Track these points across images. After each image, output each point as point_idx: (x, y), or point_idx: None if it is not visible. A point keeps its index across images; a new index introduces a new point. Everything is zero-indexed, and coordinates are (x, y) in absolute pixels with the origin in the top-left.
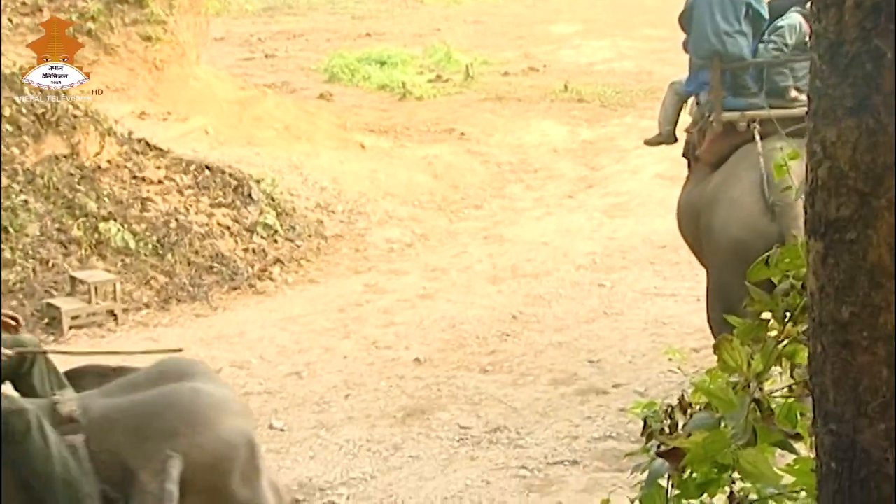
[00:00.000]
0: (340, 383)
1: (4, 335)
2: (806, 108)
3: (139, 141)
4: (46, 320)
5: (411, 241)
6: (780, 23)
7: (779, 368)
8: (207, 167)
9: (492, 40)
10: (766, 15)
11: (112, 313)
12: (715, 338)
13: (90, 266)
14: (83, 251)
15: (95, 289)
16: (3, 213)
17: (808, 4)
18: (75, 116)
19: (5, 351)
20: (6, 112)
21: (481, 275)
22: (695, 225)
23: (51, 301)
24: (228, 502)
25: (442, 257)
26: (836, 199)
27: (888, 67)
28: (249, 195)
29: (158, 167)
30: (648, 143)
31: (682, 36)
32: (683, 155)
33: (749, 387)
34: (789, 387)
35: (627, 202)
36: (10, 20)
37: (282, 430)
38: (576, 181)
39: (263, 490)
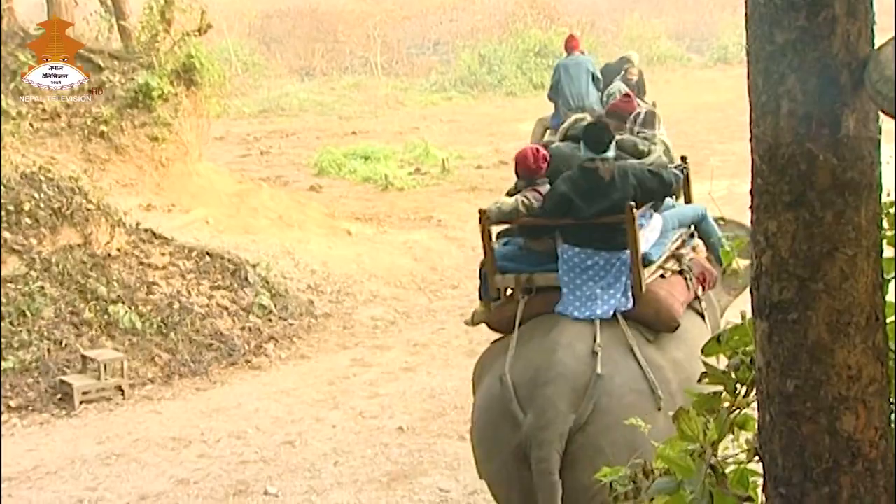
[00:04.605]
0: (330, 451)
1: None
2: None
3: (146, 231)
4: (59, 396)
5: (394, 318)
6: (610, 89)
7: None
8: (208, 253)
9: (466, 137)
10: (601, 77)
11: (120, 388)
12: None
13: (100, 345)
14: (94, 332)
15: (105, 366)
16: (21, 298)
17: (623, 73)
18: (88, 210)
19: None
20: (26, 207)
21: (459, 349)
22: None
23: (63, 378)
24: None
25: (423, 333)
26: (778, 283)
27: (820, 167)
28: (246, 278)
29: (163, 254)
30: None
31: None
32: None
33: (705, 454)
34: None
35: None
36: (31, 125)
37: (276, 495)
38: None
39: None
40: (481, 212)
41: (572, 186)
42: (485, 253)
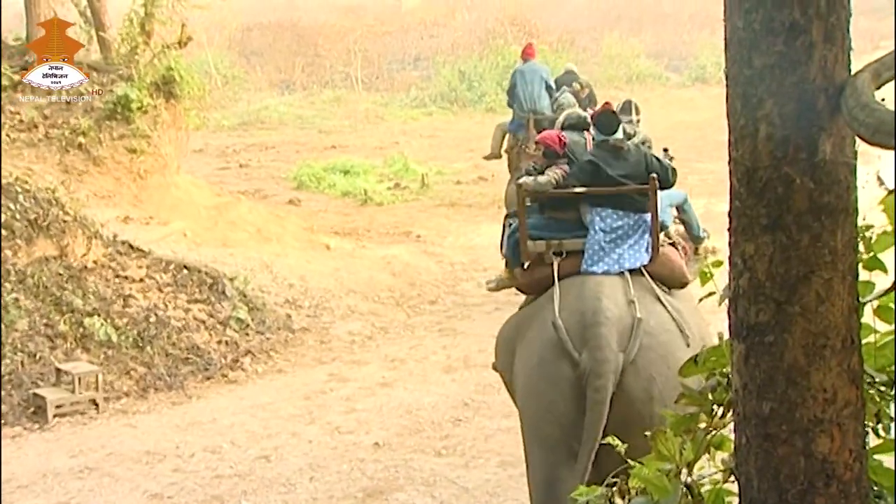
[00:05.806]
0: (306, 466)
1: None
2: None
3: (123, 243)
4: (32, 409)
5: (372, 333)
6: (560, 100)
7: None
8: (185, 266)
9: (445, 152)
10: (554, 86)
11: (94, 402)
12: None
13: (75, 358)
14: (69, 344)
15: (79, 379)
16: None
17: (572, 85)
18: (65, 221)
19: None
20: (2, 218)
21: (436, 365)
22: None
23: (37, 391)
24: None
25: (400, 349)
26: (755, 306)
27: (797, 191)
28: (223, 292)
29: (140, 267)
30: (486, 158)
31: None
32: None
33: (681, 474)
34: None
35: None
36: (7, 135)
37: None
38: None
39: None
40: (518, 185)
41: (596, 155)
42: (520, 222)
